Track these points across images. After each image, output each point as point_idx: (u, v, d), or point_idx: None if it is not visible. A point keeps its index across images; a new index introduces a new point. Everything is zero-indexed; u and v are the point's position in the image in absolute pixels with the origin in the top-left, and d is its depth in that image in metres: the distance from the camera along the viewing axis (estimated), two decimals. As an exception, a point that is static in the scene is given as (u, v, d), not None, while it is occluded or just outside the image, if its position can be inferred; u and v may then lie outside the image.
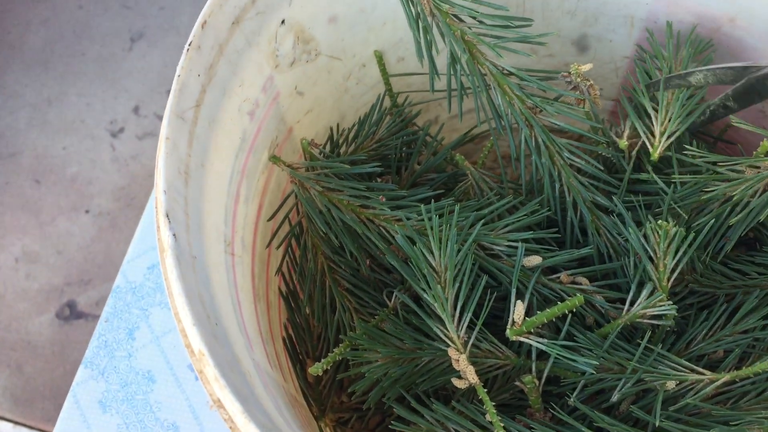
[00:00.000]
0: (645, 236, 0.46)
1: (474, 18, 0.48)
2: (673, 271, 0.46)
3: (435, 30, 0.49)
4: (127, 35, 1.68)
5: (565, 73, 0.54)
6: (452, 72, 0.51)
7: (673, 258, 0.45)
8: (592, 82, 0.53)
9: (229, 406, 0.32)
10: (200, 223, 0.40)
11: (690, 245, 0.45)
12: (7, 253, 1.47)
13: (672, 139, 0.51)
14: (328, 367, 0.46)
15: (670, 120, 0.52)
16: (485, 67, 0.51)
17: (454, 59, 0.49)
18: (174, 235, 0.35)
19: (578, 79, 0.53)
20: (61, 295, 1.43)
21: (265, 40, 0.46)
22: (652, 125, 0.52)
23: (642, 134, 0.52)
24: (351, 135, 0.58)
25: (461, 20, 0.48)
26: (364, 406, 0.48)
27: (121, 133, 1.57)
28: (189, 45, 0.39)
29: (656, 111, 0.52)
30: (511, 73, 0.52)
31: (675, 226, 0.45)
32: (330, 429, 0.56)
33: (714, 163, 0.48)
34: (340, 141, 0.58)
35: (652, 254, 0.46)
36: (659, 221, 0.45)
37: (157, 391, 0.67)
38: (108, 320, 0.70)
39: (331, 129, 0.59)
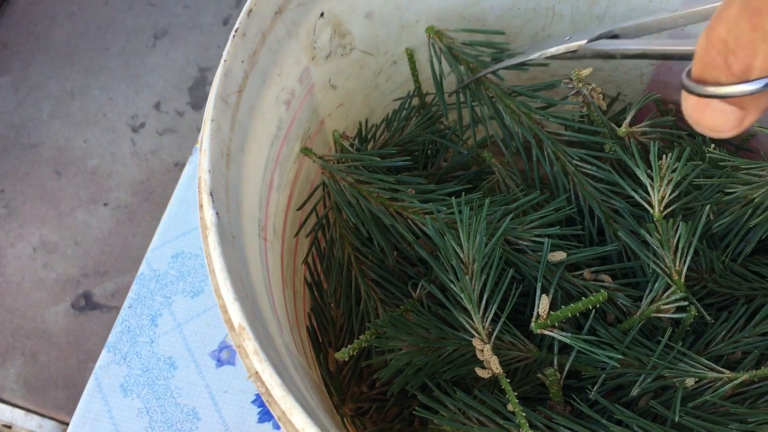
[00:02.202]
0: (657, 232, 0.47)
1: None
2: (689, 269, 0.47)
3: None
4: (150, 32, 1.70)
5: (567, 80, 0.55)
6: (461, 100, 0.53)
7: (681, 253, 0.46)
8: (593, 85, 0.54)
9: (267, 379, 0.33)
10: (239, 206, 0.41)
11: (705, 244, 0.46)
12: (25, 243, 1.49)
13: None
14: (354, 353, 0.47)
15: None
16: (491, 91, 0.53)
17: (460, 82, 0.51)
18: (217, 213, 0.36)
19: (580, 85, 0.54)
20: (77, 285, 1.44)
21: (304, 31, 0.48)
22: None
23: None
24: (380, 130, 0.59)
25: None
26: (388, 393, 0.49)
27: (142, 128, 1.59)
28: (235, 31, 0.40)
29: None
30: (516, 93, 0.54)
31: (683, 221, 0.46)
32: (348, 419, 0.57)
33: (736, 167, 0.49)
34: (369, 136, 0.59)
35: (663, 250, 0.47)
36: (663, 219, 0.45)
37: (178, 377, 0.68)
38: (132, 306, 0.72)
39: (360, 124, 0.61)
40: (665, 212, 0.49)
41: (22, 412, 1.35)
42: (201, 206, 0.37)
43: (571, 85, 0.53)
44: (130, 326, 0.71)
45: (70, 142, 1.58)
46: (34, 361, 1.38)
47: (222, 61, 0.40)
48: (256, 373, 0.34)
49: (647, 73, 0.66)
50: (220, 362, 0.69)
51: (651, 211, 0.46)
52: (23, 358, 1.39)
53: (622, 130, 0.52)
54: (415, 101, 0.63)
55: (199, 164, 0.38)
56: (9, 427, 1.35)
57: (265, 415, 0.66)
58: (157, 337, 0.70)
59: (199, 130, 1.57)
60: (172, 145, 1.56)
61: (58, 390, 1.36)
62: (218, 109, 0.39)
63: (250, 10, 0.41)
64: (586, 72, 0.51)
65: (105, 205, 1.51)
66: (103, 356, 0.70)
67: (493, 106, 0.52)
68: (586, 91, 0.53)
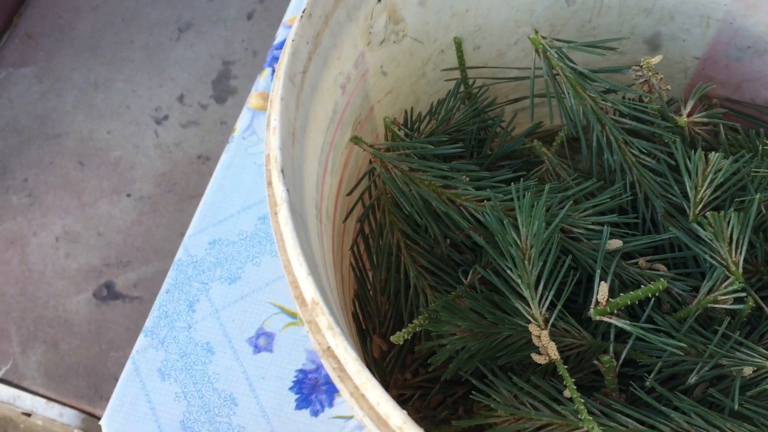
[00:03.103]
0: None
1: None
2: (745, 261, 0.46)
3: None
4: (175, 25, 1.71)
5: (636, 67, 0.54)
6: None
7: (736, 245, 0.46)
8: (662, 75, 0.54)
9: (341, 354, 0.33)
10: (302, 186, 0.41)
11: (763, 237, 0.46)
12: (48, 232, 1.49)
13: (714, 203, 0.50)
14: (408, 337, 0.47)
15: (708, 186, 0.50)
16: (558, 68, 0.53)
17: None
18: (288, 190, 0.36)
19: (649, 73, 0.54)
20: (99, 275, 1.45)
21: (363, 15, 0.48)
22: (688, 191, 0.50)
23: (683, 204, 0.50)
24: (425, 119, 0.59)
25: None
26: (442, 377, 0.49)
27: (165, 120, 1.60)
28: (303, 12, 0.41)
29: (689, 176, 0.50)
30: (582, 74, 0.53)
31: (735, 213, 0.46)
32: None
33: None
34: (415, 125, 0.59)
35: (717, 242, 0.46)
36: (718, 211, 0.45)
37: (216, 362, 0.68)
38: (169, 291, 0.72)
39: (406, 111, 0.61)
40: (709, 207, 0.49)
41: (43, 400, 1.36)
42: (269, 183, 0.37)
43: (640, 73, 0.53)
44: (167, 311, 0.71)
45: (94, 133, 1.59)
46: (55, 349, 1.39)
47: (290, 41, 0.40)
48: (328, 348, 0.34)
49: (692, 68, 0.66)
50: (257, 348, 0.69)
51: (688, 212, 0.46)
52: (45, 346, 1.39)
53: (683, 119, 0.52)
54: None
55: (268, 142, 0.38)
56: (29, 414, 1.35)
57: (303, 402, 0.66)
58: (195, 322, 0.70)
59: (222, 123, 1.57)
60: (195, 138, 1.56)
61: (79, 379, 1.36)
62: (287, 88, 0.39)
63: (317, -9, 0.42)
64: (655, 60, 0.51)
65: (128, 196, 1.52)
66: (141, 341, 0.70)
67: (558, 86, 0.51)
68: (655, 80, 0.52)
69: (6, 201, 1.52)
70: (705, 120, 0.54)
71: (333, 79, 0.47)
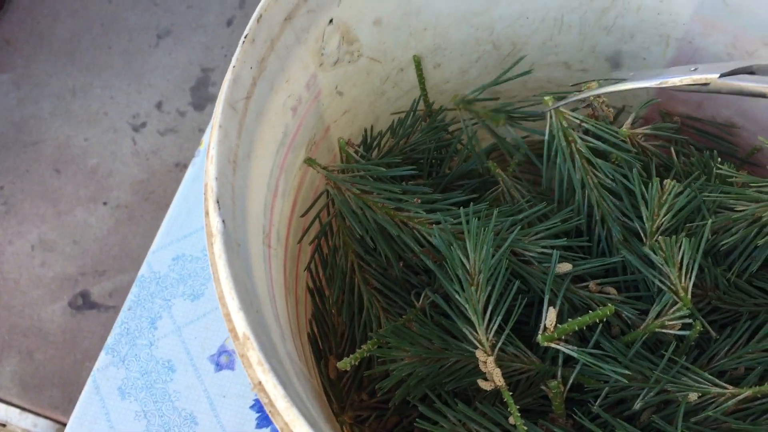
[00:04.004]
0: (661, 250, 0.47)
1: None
2: (694, 285, 0.47)
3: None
4: (154, 31, 1.70)
5: (577, 92, 0.54)
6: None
7: (686, 271, 0.46)
8: (603, 97, 0.54)
9: (270, 390, 0.33)
10: (244, 213, 0.41)
11: (711, 260, 0.46)
12: (24, 240, 1.48)
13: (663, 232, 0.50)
14: (356, 363, 0.47)
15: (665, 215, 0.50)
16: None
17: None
18: (223, 221, 0.36)
19: (591, 97, 0.53)
20: (75, 284, 1.44)
21: (313, 37, 0.47)
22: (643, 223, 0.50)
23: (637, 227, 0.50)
24: (385, 137, 0.59)
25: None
26: (390, 403, 0.48)
27: (143, 127, 1.59)
28: (245, 37, 0.40)
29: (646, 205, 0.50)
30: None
31: (687, 239, 0.46)
32: (348, 427, 0.57)
33: (745, 184, 0.49)
34: (374, 143, 0.59)
35: (668, 267, 0.46)
36: (666, 236, 0.45)
37: (177, 380, 0.68)
38: (131, 308, 0.71)
39: (366, 130, 0.60)
40: (665, 232, 0.49)
41: (17, 410, 1.35)
42: (207, 213, 0.37)
43: (582, 96, 0.53)
44: (129, 328, 0.71)
45: (71, 140, 1.58)
46: (30, 359, 1.38)
47: (231, 67, 0.39)
48: (260, 383, 0.33)
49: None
50: (219, 366, 0.68)
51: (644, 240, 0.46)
52: (19, 356, 1.38)
53: (623, 130, 0.52)
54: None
55: (206, 171, 0.38)
56: (4, 425, 1.34)
57: (264, 420, 0.66)
58: (157, 339, 0.70)
59: (201, 130, 1.56)
60: (173, 146, 1.55)
61: (54, 389, 1.35)
62: (226, 116, 0.38)
63: (260, 16, 0.41)
64: (595, 84, 0.51)
65: (104, 204, 1.51)
66: (102, 358, 0.69)
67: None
68: (597, 103, 0.52)
69: (-19, 209, 1.51)
70: (650, 132, 0.54)
71: (282, 102, 0.47)
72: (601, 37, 0.62)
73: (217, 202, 0.36)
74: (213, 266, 0.36)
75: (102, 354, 0.70)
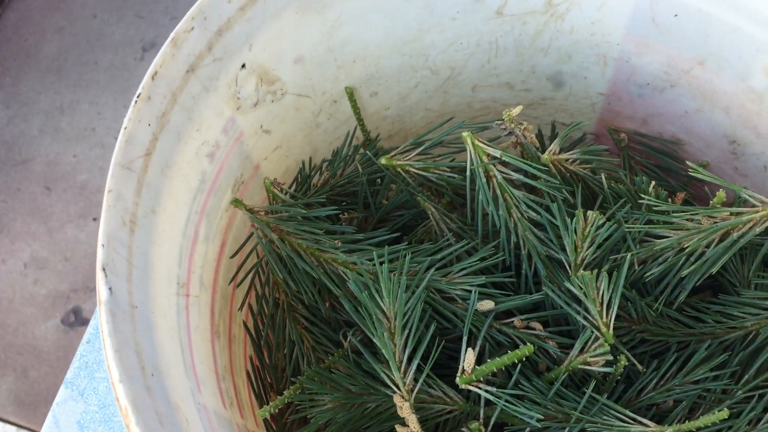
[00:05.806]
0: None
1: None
2: (621, 317, 0.46)
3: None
4: (139, 45, 1.70)
5: (499, 121, 0.53)
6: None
7: (607, 305, 0.45)
8: (525, 124, 0.53)
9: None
10: (147, 270, 0.41)
11: (637, 292, 0.45)
12: (16, 259, 1.50)
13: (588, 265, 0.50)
14: (275, 411, 0.47)
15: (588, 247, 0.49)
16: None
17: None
18: (110, 288, 0.36)
19: (512, 125, 0.52)
20: (67, 301, 1.45)
21: (224, 84, 0.47)
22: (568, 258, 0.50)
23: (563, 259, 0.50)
24: (320, 171, 0.59)
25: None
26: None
27: (131, 141, 1.59)
28: (137, 97, 0.40)
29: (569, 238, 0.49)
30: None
31: (606, 274, 0.45)
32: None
33: (669, 213, 0.48)
34: (309, 179, 0.59)
35: (589, 302, 0.46)
36: (589, 270, 0.45)
37: (134, 413, 0.68)
38: (90, 341, 0.72)
39: (303, 163, 0.60)
40: (589, 265, 0.48)
41: (13, 428, 1.37)
42: (98, 279, 0.37)
43: (503, 126, 0.52)
44: (87, 362, 0.71)
45: (60, 157, 1.59)
46: (24, 377, 1.40)
47: (122, 129, 0.39)
48: (145, 453, 0.34)
49: (598, 103, 0.65)
50: (175, 398, 0.69)
51: (569, 272, 0.45)
52: (14, 374, 1.40)
53: (545, 157, 0.51)
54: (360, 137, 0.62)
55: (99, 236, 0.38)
56: (2, 442, 1.36)
57: (220, 452, 0.66)
58: (115, 372, 0.70)
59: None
60: (160, 159, 1.56)
61: (49, 406, 1.37)
62: (117, 178, 0.38)
63: (155, 73, 0.41)
64: (516, 111, 0.50)
65: (94, 220, 1.52)
66: (61, 392, 0.70)
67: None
68: (518, 131, 0.52)
69: (-26, 229, 1.52)
70: (577, 157, 0.53)
71: (194, 151, 0.46)
72: (539, 58, 0.62)
73: (104, 270, 0.36)
74: (102, 334, 0.36)
75: (61, 388, 0.70)
